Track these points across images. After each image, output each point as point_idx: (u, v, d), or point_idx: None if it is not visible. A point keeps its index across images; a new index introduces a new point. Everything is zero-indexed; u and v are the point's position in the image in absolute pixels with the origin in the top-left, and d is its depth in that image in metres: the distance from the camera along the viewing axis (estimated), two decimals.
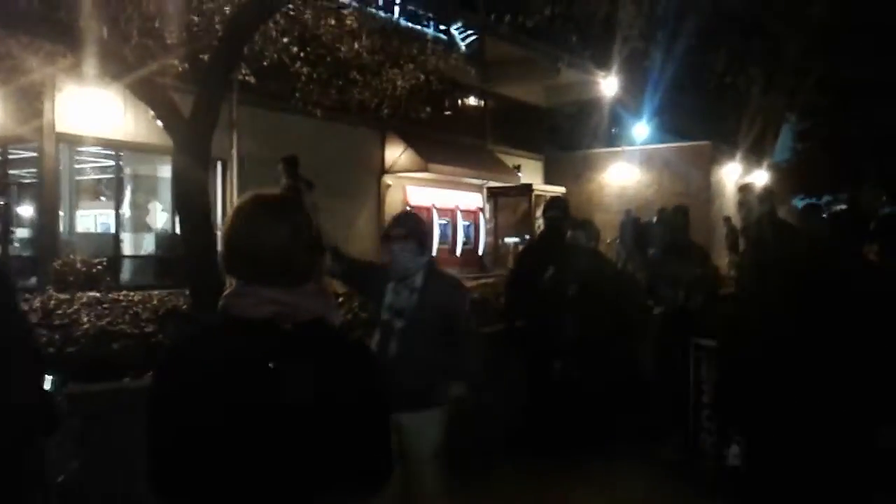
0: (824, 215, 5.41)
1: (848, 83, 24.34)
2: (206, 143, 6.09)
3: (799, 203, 25.36)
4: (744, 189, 4.95)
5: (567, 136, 25.82)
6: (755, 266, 4.38)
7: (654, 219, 18.83)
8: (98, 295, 6.69)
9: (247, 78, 9.25)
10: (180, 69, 7.99)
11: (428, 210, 20.08)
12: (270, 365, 1.62)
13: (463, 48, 16.97)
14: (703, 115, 25.90)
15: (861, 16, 21.28)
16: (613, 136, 27.21)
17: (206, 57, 7.25)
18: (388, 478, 1.79)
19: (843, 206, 18.62)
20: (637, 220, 18.30)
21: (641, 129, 27.38)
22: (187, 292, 6.29)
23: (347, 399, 1.67)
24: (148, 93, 6.26)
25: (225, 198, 13.75)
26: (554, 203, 6.34)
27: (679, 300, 5.52)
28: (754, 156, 25.04)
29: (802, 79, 23.91)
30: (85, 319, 4.77)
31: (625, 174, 23.42)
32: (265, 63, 8.32)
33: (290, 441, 1.61)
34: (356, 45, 8.28)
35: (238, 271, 1.72)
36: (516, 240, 22.14)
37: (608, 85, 21.23)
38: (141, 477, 1.66)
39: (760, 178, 25.33)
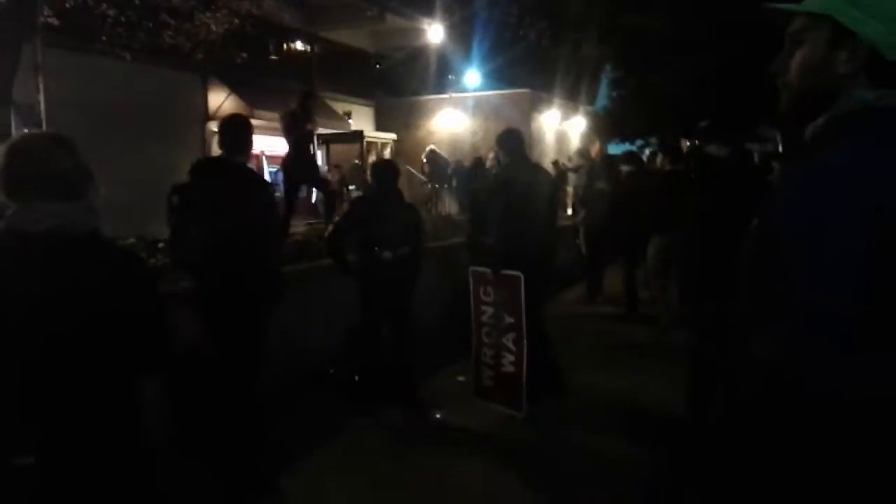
0: None
1: (652, 36, 26.31)
2: (7, 88, 6.01)
3: (614, 147, 27.43)
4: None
5: (397, 82, 26.17)
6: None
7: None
8: None
9: (49, 20, 8.87)
10: None
11: (257, 157, 19.85)
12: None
13: None
14: (525, 63, 27.13)
15: None
16: (444, 84, 27.85)
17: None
18: (167, 356, 2.19)
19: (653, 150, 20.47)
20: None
21: (473, 77, 28.13)
22: None
23: (125, 294, 2.04)
24: None
25: None
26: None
27: None
28: (572, 103, 26.63)
29: (611, 31, 25.66)
30: None
31: (453, 121, 24.12)
32: (68, 4, 8.06)
33: (79, 333, 1.94)
34: None
35: (22, 193, 2.00)
36: (352, 187, 22.35)
37: (434, 32, 21.78)
38: None
39: (578, 124, 27.09)
